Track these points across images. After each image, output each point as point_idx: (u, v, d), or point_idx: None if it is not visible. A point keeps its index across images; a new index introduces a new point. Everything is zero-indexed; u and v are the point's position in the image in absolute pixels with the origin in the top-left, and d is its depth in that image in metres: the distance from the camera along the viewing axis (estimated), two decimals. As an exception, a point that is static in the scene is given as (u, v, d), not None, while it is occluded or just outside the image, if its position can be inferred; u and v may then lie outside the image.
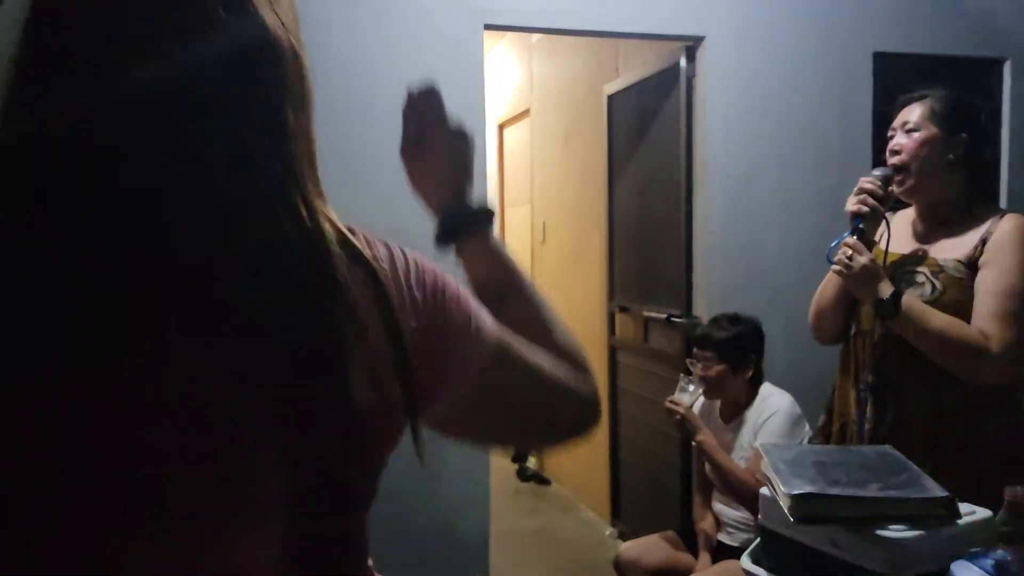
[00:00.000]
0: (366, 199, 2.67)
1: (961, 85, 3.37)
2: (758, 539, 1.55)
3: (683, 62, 3.19)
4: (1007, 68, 3.41)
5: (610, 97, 3.84)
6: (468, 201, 0.83)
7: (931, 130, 1.83)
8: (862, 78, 3.23)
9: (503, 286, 0.79)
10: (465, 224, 0.81)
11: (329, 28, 2.73)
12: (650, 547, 2.68)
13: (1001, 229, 1.77)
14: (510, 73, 5.39)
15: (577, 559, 3.75)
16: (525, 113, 5.18)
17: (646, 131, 3.58)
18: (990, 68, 3.43)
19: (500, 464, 4.97)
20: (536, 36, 4.63)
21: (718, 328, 2.57)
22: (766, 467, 1.52)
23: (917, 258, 1.85)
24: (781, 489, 1.40)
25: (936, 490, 1.37)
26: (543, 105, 4.90)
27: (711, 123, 3.14)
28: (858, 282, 1.79)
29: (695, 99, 3.19)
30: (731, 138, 3.12)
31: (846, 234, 1.83)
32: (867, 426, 1.86)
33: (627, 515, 3.90)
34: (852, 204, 1.84)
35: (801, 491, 1.35)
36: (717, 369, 2.54)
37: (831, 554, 1.36)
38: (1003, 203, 3.45)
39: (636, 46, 3.65)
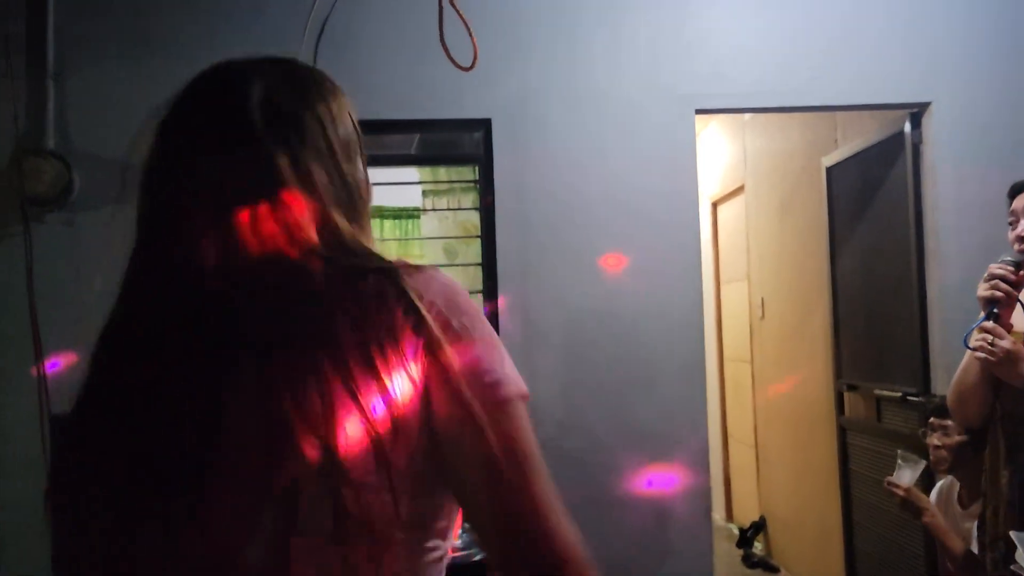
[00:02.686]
0: (582, 284, 2.80)
1: None
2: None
3: (907, 128, 3.09)
4: None
5: (829, 169, 3.76)
6: None
7: None
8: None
9: None
10: None
11: (546, 125, 2.91)
12: (893, 645, 2.48)
13: None
14: (723, 151, 5.41)
15: (811, 655, 3.52)
16: (739, 190, 5.15)
17: (870, 201, 3.46)
18: None
19: (725, 548, 4.80)
20: (749, 114, 4.64)
21: None
22: (1020, 557, 1.41)
23: None
24: (1038, 581, 1.29)
25: None
26: (758, 180, 4.86)
27: (943, 189, 2.99)
28: (1003, 365, 1.85)
29: (923, 166, 3.07)
30: (965, 204, 2.95)
31: (982, 318, 1.89)
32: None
33: (866, 610, 3.61)
34: (984, 290, 1.91)
35: (1062, 584, 1.25)
36: (957, 440, 2.34)
37: (1104, 658, 1.23)
38: None
39: (856, 116, 3.57)
